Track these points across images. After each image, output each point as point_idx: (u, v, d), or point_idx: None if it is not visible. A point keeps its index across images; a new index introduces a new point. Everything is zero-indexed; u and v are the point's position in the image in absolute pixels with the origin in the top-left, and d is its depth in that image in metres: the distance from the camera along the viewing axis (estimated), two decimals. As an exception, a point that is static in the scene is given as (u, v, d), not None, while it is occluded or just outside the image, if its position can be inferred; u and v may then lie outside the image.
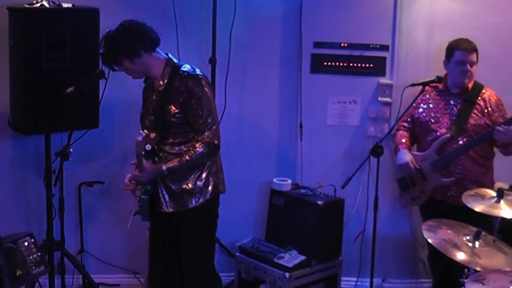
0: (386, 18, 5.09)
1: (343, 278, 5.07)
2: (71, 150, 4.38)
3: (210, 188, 4.15)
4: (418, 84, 4.62)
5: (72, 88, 4.36)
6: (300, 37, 5.13)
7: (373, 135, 5.20)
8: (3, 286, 3.44)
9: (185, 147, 4.08)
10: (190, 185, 4.12)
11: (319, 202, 4.84)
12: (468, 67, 4.61)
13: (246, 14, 5.07)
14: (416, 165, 4.77)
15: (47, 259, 4.55)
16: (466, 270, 3.80)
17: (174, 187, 4.12)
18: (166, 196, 4.14)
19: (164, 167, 4.05)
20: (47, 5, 4.57)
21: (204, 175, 4.13)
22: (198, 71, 4.12)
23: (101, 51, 4.10)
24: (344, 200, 5.00)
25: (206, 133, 4.04)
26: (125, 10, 4.98)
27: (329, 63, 5.16)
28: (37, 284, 4.73)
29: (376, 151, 4.57)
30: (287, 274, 4.64)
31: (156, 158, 4.15)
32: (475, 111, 4.65)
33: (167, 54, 4.19)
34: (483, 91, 4.68)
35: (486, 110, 4.64)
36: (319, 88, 5.20)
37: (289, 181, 5.12)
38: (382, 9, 5.09)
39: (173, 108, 4.05)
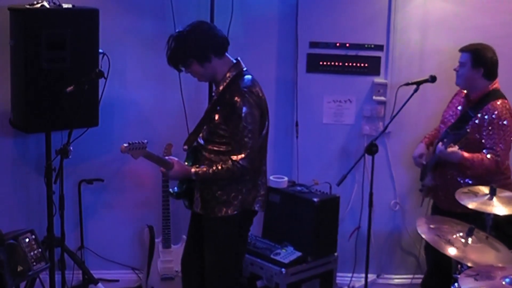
0: (380, 18, 5.12)
1: (338, 274, 5.10)
2: (71, 148, 4.40)
3: (236, 203, 3.99)
4: (412, 84, 4.65)
5: (72, 87, 4.37)
6: (296, 37, 5.17)
7: (368, 133, 5.24)
8: (5, 281, 3.47)
9: (221, 158, 3.95)
10: (218, 194, 3.98)
11: (315, 199, 4.86)
12: (456, 67, 4.60)
13: (243, 14, 5.09)
14: (423, 160, 4.79)
15: (48, 255, 4.54)
16: (459, 266, 3.80)
17: (205, 192, 4.03)
18: (198, 197, 4.06)
19: (192, 171, 3.97)
20: (47, 6, 4.59)
21: (235, 189, 3.98)
22: (248, 86, 3.96)
23: (169, 51, 3.97)
24: (340, 197, 5.01)
25: (238, 154, 3.88)
26: (124, 10, 5.02)
27: (325, 63, 5.19)
28: (37, 280, 4.74)
29: (371, 149, 4.62)
30: (283, 270, 4.68)
31: (196, 159, 4.07)
32: (471, 124, 4.48)
33: (236, 59, 4.06)
34: (492, 103, 4.45)
35: (481, 126, 4.46)
36: (315, 87, 5.23)
37: (286, 178, 5.13)
38: (377, 9, 5.13)
39: (217, 118, 3.96)
